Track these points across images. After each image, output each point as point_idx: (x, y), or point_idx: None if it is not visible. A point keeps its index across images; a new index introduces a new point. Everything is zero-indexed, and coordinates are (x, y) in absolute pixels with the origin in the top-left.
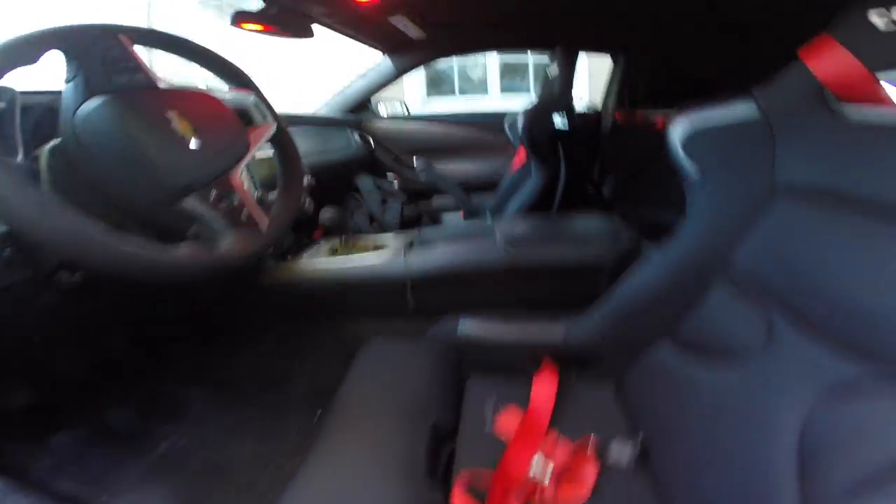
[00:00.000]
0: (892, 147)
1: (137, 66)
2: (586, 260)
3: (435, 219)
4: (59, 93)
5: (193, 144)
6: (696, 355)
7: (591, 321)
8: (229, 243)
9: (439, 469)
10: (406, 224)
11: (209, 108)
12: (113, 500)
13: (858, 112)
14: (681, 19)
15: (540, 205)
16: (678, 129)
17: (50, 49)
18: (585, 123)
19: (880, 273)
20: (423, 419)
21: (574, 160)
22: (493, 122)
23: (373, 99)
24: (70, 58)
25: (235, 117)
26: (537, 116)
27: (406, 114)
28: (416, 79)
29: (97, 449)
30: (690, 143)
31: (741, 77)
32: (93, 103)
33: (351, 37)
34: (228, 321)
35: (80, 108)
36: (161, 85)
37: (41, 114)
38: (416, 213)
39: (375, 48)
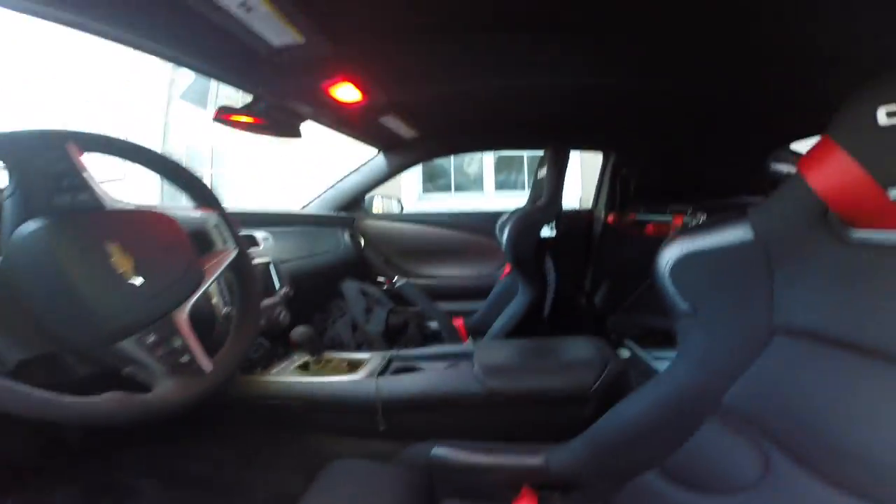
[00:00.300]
0: None
1: (83, 184)
2: (569, 389)
3: (423, 327)
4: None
5: (133, 281)
6: (686, 488)
7: (573, 450)
8: (165, 389)
9: None
10: (391, 332)
11: (159, 238)
12: None
13: (866, 237)
14: (672, 117)
15: (527, 323)
16: (667, 255)
17: None
18: (576, 224)
19: (877, 415)
20: None
21: (563, 269)
22: (485, 224)
23: (367, 194)
24: (11, 169)
25: (188, 247)
26: (523, 229)
27: (400, 211)
28: (413, 173)
29: None
30: (680, 270)
31: (735, 176)
32: (28, 227)
33: (345, 133)
34: (192, 419)
35: (16, 231)
36: (109, 206)
37: None
38: (403, 321)
39: (370, 145)
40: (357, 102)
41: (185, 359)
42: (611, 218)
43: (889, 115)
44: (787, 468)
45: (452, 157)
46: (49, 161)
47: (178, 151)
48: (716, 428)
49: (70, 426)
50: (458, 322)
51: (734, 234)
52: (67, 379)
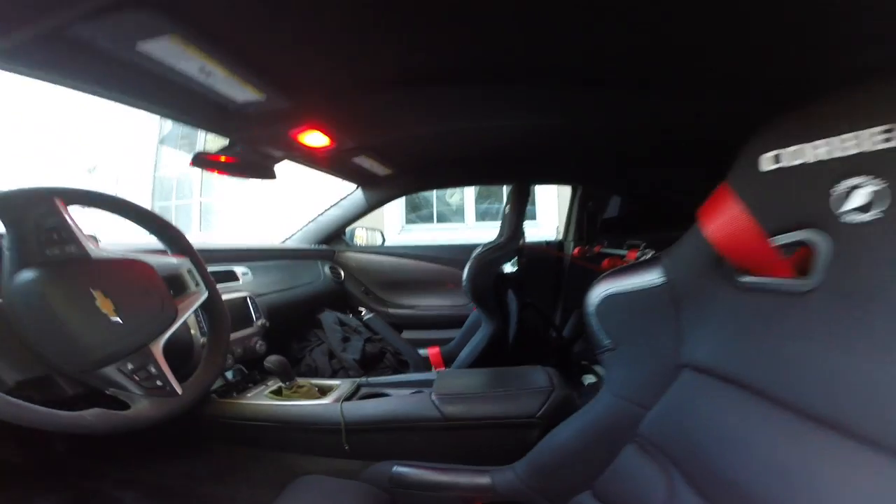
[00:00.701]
0: (778, 325)
1: (71, 236)
2: (517, 414)
3: (399, 356)
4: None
5: (115, 319)
6: None
7: (516, 471)
8: (141, 407)
9: None
10: (367, 361)
11: (136, 283)
12: None
13: (753, 282)
14: (635, 151)
15: (490, 353)
16: (593, 294)
17: None
18: (546, 256)
19: (757, 455)
20: None
21: (532, 300)
22: (461, 256)
23: (349, 227)
24: (8, 225)
25: (163, 289)
26: (480, 268)
27: (382, 243)
28: (396, 204)
29: None
30: (603, 309)
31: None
32: (24, 276)
33: (322, 171)
34: (172, 436)
35: (14, 278)
36: (94, 255)
37: None
38: (380, 350)
39: (348, 181)
40: (326, 147)
41: (158, 383)
42: (576, 251)
43: (769, 161)
44: (686, 495)
45: (435, 190)
46: (41, 216)
47: (170, 178)
48: (633, 454)
49: (59, 437)
50: (435, 350)
51: (648, 277)
52: (58, 397)
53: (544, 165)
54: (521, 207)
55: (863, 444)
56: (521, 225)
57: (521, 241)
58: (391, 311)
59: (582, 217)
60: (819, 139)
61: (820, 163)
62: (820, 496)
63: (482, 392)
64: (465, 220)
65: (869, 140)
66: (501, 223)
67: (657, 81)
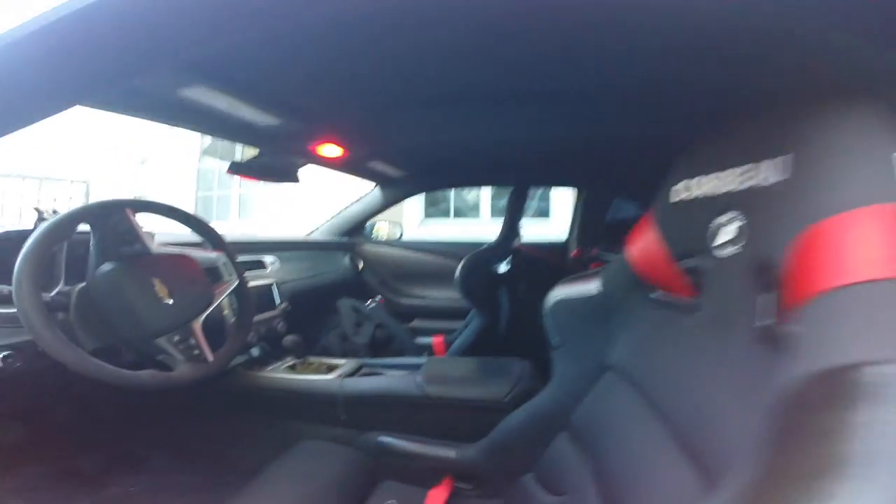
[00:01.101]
0: (669, 336)
1: (137, 237)
2: (487, 398)
3: (404, 342)
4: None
5: (168, 301)
6: (545, 490)
7: (478, 448)
8: (183, 370)
9: None
10: (377, 345)
11: (184, 273)
12: None
13: (662, 299)
14: (636, 156)
15: (482, 344)
16: (551, 297)
17: (82, 223)
18: (551, 255)
19: (643, 452)
20: (322, 499)
21: (520, 301)
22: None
23: (369, 221)
24: (94, 229)
25: (204, 278)
26: (472, 268)
27: (400, 236)
28: (417, 199)
29: (57, 482)
30: (556, 311)
31: None
32: (105, 268)
33: (343, 172)
34: (199, 405)
35: (97, 269)
36: (154, 251)
37: (81, 253)
38: (388, 336)
39: (367, 180)
40: (341, 156)
41: (196, 352)
42: (574, 252)
43: (677, 192)
44: (589, 485)
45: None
46: (116, 222)
47: (212, 170)
48: (565, 441)
49: (106, 401)
50: (440, 339)
51: (590, 286)
52: (121, 362)
53: (546, 169)
54: (517, 211)
55: (681, 449)
56: (516, 228)
57: (516, 242)
58: (404, 300)
59: (585, 219)
60: (707, 174)
61: (706, 197)
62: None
63: (461, 376)
64: (480, 216)
65: (743, 177)
66: (502, 224)
67: (650, 97)
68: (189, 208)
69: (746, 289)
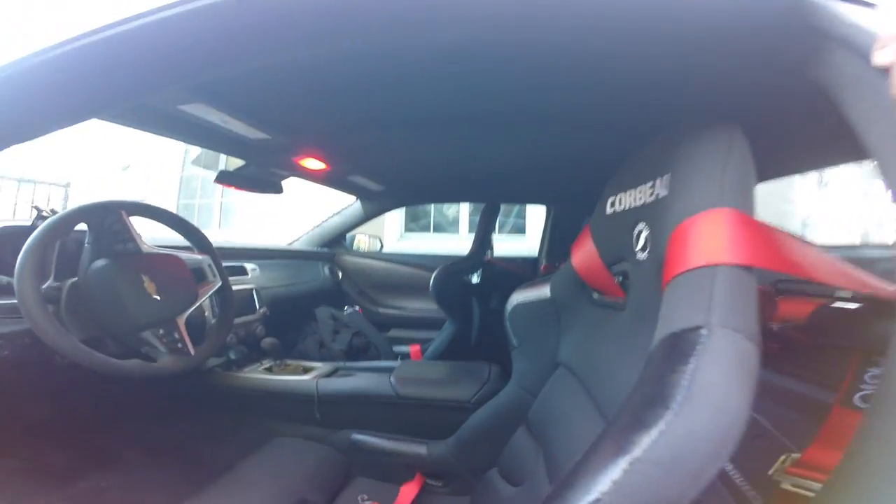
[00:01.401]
0: (604, 332)
1: (130, 237)
2: (455, 398)
3: (381, 350)
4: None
5: (156, 297)
6: (507, 481)
7: (446, 445)
8: (165, 361)
9: None
10: (354, 352)
11: (171, 271)
12: None
13: (601, 300)
14: (600, 174)
15: (454, 349)
16: (510, 302)
17: (79, 222)
18: (519, 270)
19: (577, 438)
20: (293, 493)
21: (490, 310)
22: None
23: (349, 234)
24: (90, 227)
25: (190, 277)
26: (444, 279)
27: (380, 249)
28: (396, 214)
29: (26, 478)
30: (514, 314)
31: None
32: (98, 264)
33: (325, 185)
34: (175, 404)
35: (90, 265)
36: (144, 251)
37: (70, 250)
38: (365, 344)
39: (348, 193)
40: (323, 169)
41: (179, 345)
42: (543, 267)
43: (611, 205)
44: (542, 472)
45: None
46: (111, 222)
47: (195, 178)
48: (523, 434)
49: (83, 397)
50: (416, 348)
51: (541, 291)
52: (106, 353)
53: (516, 186)
54: (488, 225)
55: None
56: (488, 241)
57: (487, 256)
58: (381, 310)
59: (553, 235)
60: (626, 190)
61: (626, 210)
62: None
63: (432, 378)
64: (458, 232)
65: (647, 192)
66: (474, 238)
67: (603, 119)
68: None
69: (655, 286)
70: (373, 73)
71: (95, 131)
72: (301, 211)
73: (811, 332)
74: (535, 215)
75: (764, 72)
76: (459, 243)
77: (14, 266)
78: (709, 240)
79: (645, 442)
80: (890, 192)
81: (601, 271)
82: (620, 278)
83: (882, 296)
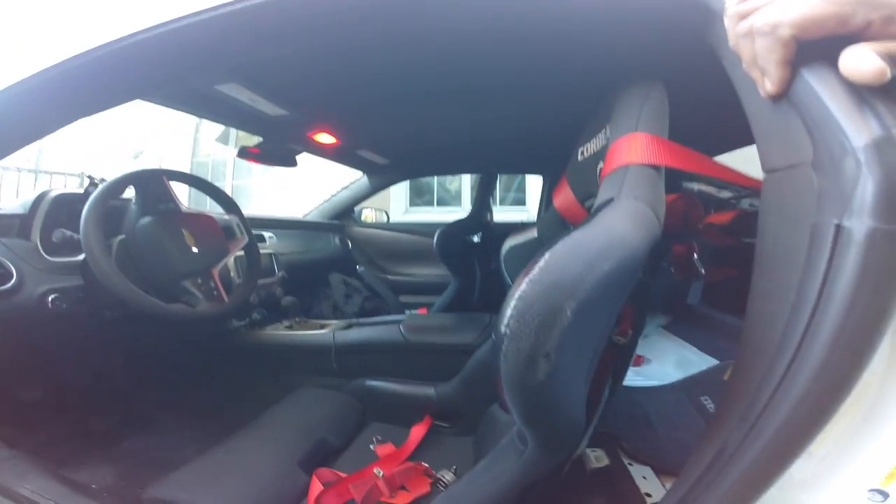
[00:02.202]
0: None
1: (171, 198)
2: (460, 343)
3: (390, 304)
4: (129, 200)
5: (194, 249)
6: (505, 411)
7: (452, 386)
8: (202, 307)
9: (312, 465)
10: (365, 314)
11: (206, 228)
12: (65, 471)
13: None
14: None
15: (458, 304)
16: (504, 246)
17: (129, 185)
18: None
19: None
20: (314, 434)
21: (490, 268)
22: None
23: (357, 207)
24: (137, 190)
25: (221, 233)
26: (447, 236)
27: (387, 221)
28: (401, 189)
29: (72, 440)
30: (507, 257)
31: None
32: (144, 220)
33: (334, 161)
34: (204, 366)
35: (137, 222)
36: (183, 209)
37: (117, 213)
38: (376, 306)
39: (356, 169)
40: (334, 143)
41: (215, 293)
42: None
43: (581, 154)
44: None
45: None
46: (155, 185)
47: (206, 163)
48: None
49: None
50: (423, 311)
51: (531, 234)
52: None
53: (513, 157)
54: (485, 190)
55: None
56: (485, 206)
57: (486, 219)
58: (389, 277)
59: (549, 203)
60: (590, 140)
61: (591, 155)
62: None
63: (437, 326)
64: (461, 205)
65: (602, 138)
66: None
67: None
68: (182, 197)
69: None
70: (381, 53)
71: (107, 121)
72: (307, 194)
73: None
74: (534, 189)
75: (680, 41)
76: (463, 215)
77: (69, 225)
78: (625, 150)
79: (554, 244)
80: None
81: (577, 208)
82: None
83: (752, 184)
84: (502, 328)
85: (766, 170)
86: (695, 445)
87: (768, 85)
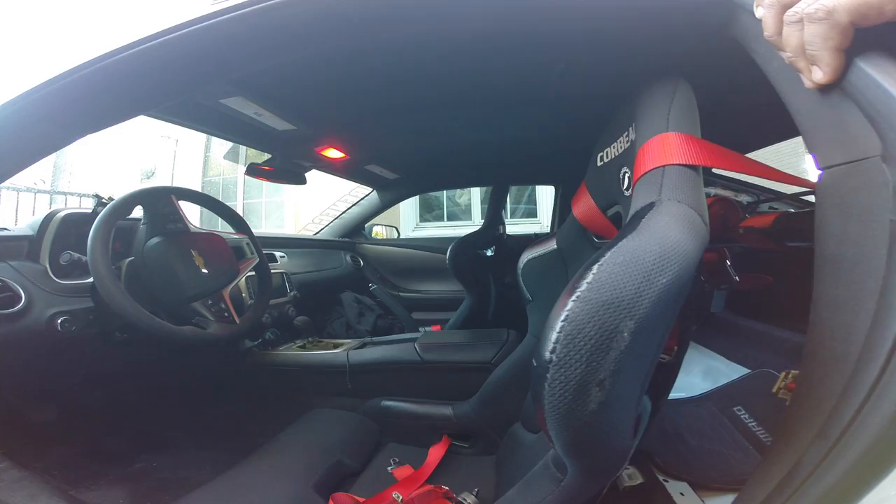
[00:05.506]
0: None
1: (179, 218)
2: (477, 361)
3: (404, 322)
4: (138, 220)
5: (204, 271)
6: (529, 430)
7: (470, 405)
8: (213, 329)
9: (329, 488)
10: (378, 332)
11: (216, 248)
12: (77, 492)
13: (601, 243)
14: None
15: (473, 320)
16: (521, 260)
17: (137, 205)
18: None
19: None
20: (330, 457)
21: (505, 282)
22: None
23: (367, 224)
24: (146, 210)
25: (231, 254)
26: (459, 250)
27: (397, 237)
28: (411, 204)
29: (84, 461)
30: (525, 270)
31: None
32: (153, 241)
33: (343, 178)
34: (216, 386)
35: (146, 243)
36: (192, 229)
37: (126, 233)
38: (389, 324)
39: (366, 185)
40: (343, 158)
41: (226, 315)
42: None
43: (600, 159)
44: None
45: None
46: (163, 205)
47: (216, 183)
48: None
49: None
50: (437, 328)
51: (549, 245)
52: None
53: (524, 168)
54: (497, 202)
55: None
56: (497, 219)
57: (499, 232)
58: (402, 294)
59: (563, 213)
60: (611, 144)
61: (612, 159)
62: None
63: (453, 343)
64: (471, 219)
65: (624, 141)
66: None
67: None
68: (194, 218)
69: None
70: (388, 63)
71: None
72: (315, 216)
73: (775, 237)
74: (544, 200)
75: (698, 35)
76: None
77: (78, 246)
78: (658, 152)
79: (605, 255)
80: (796, 121)
81: (598, 216)
82: (614, 221)
83: (806, 185)
84: (546, 354)
85: (822, 166)
86: (758, 463)
87: (818, 74)
